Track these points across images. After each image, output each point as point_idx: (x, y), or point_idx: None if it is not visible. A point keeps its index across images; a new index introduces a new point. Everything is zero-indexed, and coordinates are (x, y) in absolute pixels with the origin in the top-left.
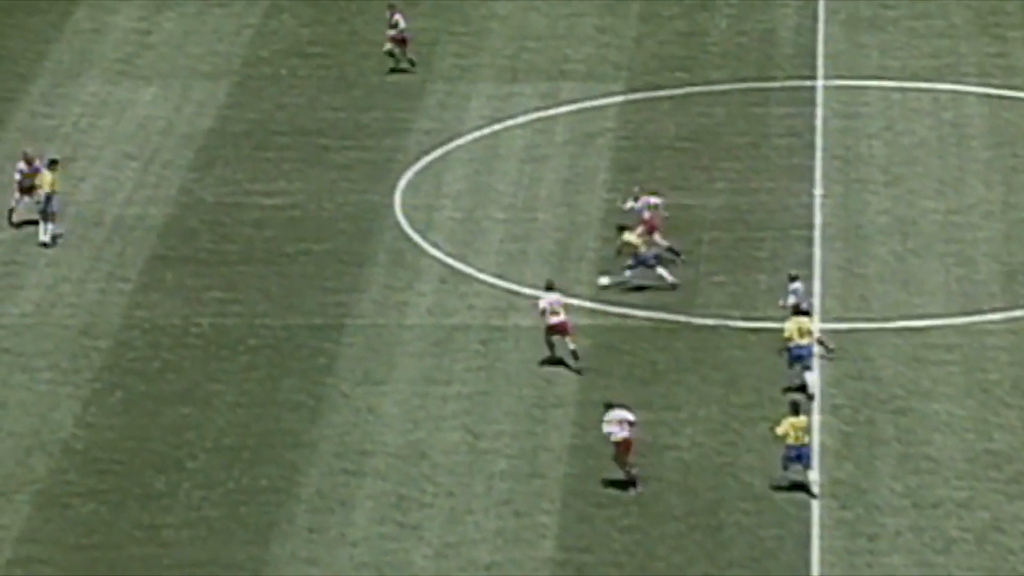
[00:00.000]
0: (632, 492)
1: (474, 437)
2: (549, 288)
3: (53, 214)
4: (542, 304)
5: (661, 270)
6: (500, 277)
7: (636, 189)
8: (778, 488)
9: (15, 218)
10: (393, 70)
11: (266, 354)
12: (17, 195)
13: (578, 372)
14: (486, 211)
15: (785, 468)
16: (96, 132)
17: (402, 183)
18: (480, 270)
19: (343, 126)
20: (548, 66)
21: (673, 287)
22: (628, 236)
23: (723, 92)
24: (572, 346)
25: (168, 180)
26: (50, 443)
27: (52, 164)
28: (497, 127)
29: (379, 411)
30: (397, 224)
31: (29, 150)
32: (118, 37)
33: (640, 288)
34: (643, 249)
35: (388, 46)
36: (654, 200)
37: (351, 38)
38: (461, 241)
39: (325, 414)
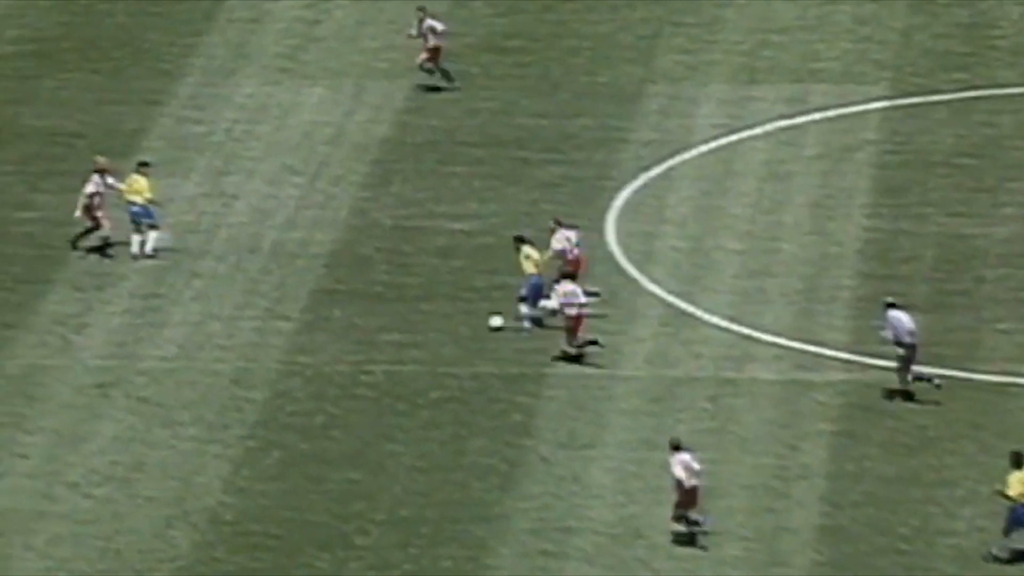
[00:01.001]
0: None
1: (700, 514)
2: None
3: (152, 225)
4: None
5: (526, 309)
6: (733, 320)
7: (551, 223)
8: (996, 559)
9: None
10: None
11: (451, 409)
12: (100, 214)
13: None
14: (717, 240)
15: (1007, 534)
16: (253, 141)
17: (616, 205)
18: (709, 311)
19: (546, 136)
20: (795, 65)
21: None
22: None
23: (1012, 97)
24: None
25: (337, 199)
26: (194, 512)
27: (143, 166)
28: (732, 138)
29: (585, 480)
30: (609, 255)
31: (102, 159)
32: (280, 29)
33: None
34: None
35: (423, 57)
36: (571, 234)
37: (557, 30)
38: (687, 276)
39: (520, 482)
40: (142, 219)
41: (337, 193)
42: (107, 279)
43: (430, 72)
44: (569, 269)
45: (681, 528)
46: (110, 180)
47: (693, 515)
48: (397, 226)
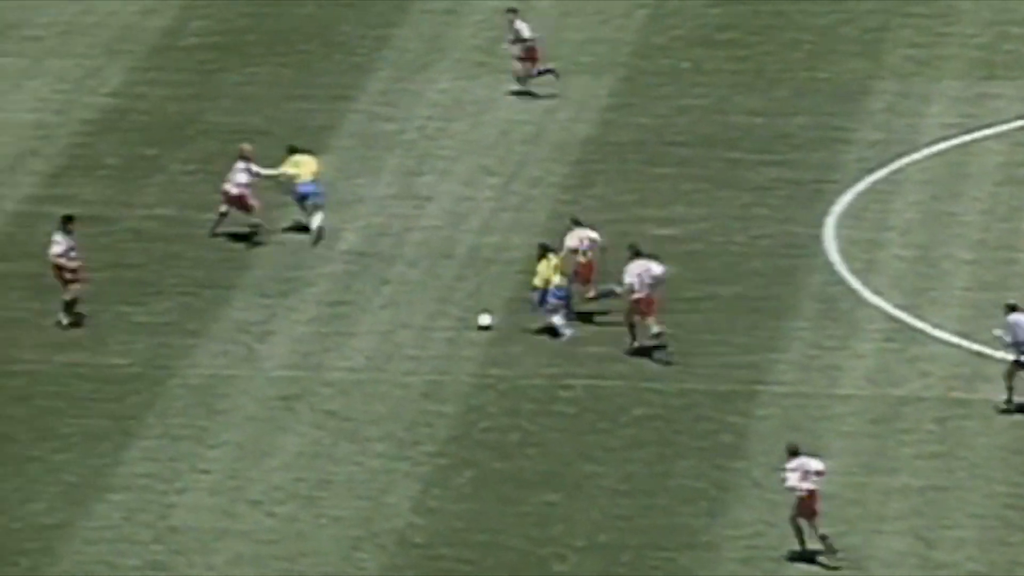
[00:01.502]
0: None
1: (927, 546)
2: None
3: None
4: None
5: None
6: (964, 336)
7: (569, 221)
8: None
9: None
10: (521, 92)
11: (656, 427)
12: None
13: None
14: (947, 249)
15: None
16: (446, 140)
17: (836, 210)
18: (937, 326)
19: (761, 135)
20: None
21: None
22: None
23: None
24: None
25: (535, 202)
26: (382, 533)
27: (294, 151)
28: (965, 138)
29: None
30: (829, 264)
31: (248, 146)
32: (477, 20)
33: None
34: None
35: (517, 67)
36: (589, 235)
37: (774, 22)
38: (913, 288)
39: (731, 508)
40: (315, 198)
41: (535, 195)
42: (292, 284)
43: (527, 78)
44: (579, 270)
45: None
46: (254, 168)
47: (820, 530)
48: (599, 231)
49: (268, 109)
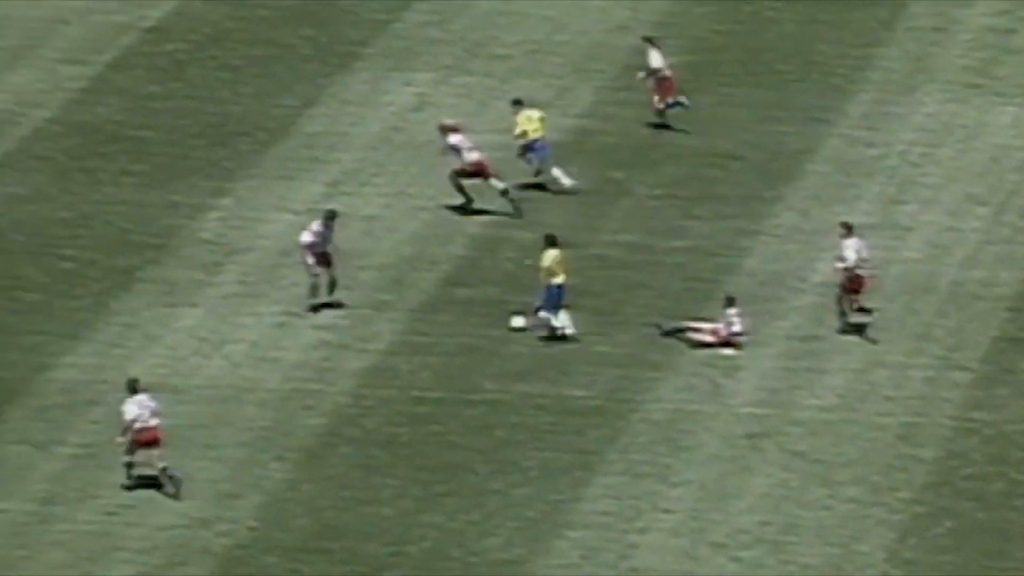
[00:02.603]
0: None
1: None
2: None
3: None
4: None
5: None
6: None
7: None
8: None
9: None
10: (659, 126)
11: None
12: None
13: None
14: None
15: None
16: (931, 166)
17: None
18: None
19: None
20: None
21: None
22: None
23: None
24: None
25: None
26: None
27: (519, 104)
28: None
29: None
30: None
31: (450, 120)
32: (968, 39)
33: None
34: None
35: (656, 99)
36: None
37: None
38: None
39: None
40: (542, 152)
41: None
42: (763, 318)
43: (665, 108)
44: None
45: None
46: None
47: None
48: None
49: (741, 132)
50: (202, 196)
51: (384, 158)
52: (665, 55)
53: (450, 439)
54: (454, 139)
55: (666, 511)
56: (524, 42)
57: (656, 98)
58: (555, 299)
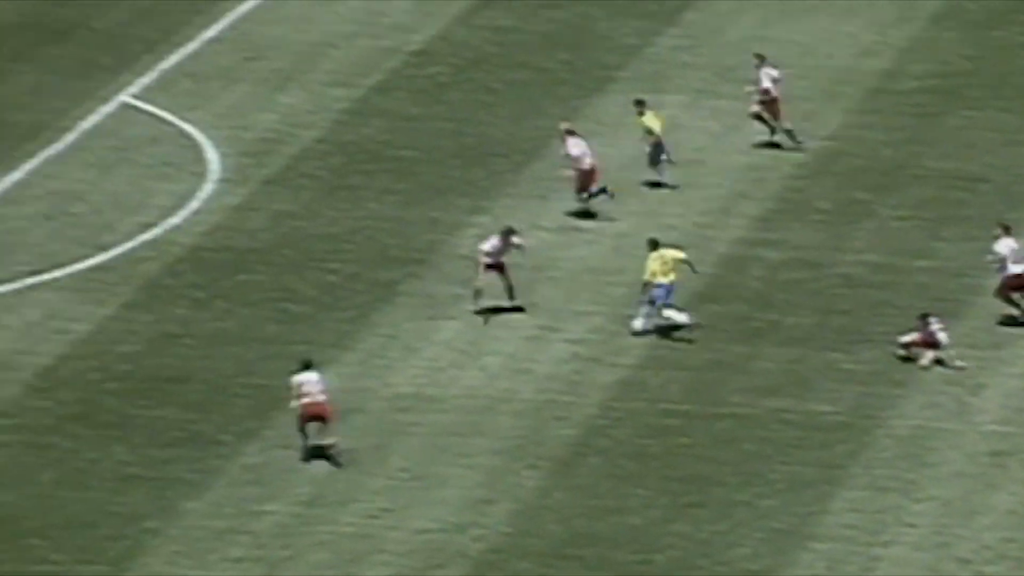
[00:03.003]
0: None
1: None
2: None
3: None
4: None
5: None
6: None
7: None
8: None
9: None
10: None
11: None
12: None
13: None
14: None
15: None
16: None
17: None
18: None
19: None
20: None
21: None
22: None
23: None
24: None
25: None
26: None
27: (641, 104)
28: None
29: None
30: None
31: (564, 124)
32: None
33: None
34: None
35: (755, 108)
36: None
37: None
38: None
39: None
40: (667, 154)
41: None
42: (1006, 336)
43: (761, 119)
44: None
45: None
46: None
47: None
48: None
49: (987, 155)
50: (460, 214)
51: (634, 178)
52: (776, 76)
53: (698, 451)
54: (572, 142)
55: (910, 525)
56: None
57: (762, 111)
58: (663, 297)
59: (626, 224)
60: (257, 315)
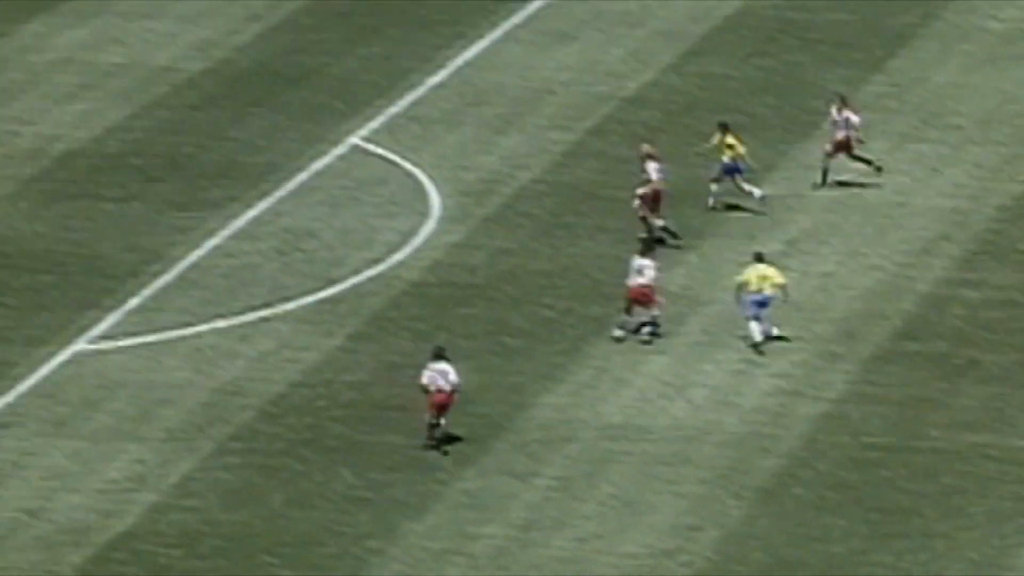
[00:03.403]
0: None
1: None
2: None
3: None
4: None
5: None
6: None
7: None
8: None
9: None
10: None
11: None
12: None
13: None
14: None
15: None
16: None
17: None
18: None
19: None
20: None
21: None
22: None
23: None
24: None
25: None
26: None
27: (726, 128)
28: None
29: None
30: None
31: (646, 146)
32: None
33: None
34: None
35: (828, 149)
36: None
37: None
38: None
39: None
40: (747, 172)
41: None
42: None
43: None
44: None
45: None
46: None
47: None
48: None
49: None
50: (671, 252)
51: (840, 220)
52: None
53: (898, 484)
54: (652, 166)
55: None
56: (976, 112)
57: (831, 148)
58: (749, 309)
59: (831, 264)
60: (475, 347)
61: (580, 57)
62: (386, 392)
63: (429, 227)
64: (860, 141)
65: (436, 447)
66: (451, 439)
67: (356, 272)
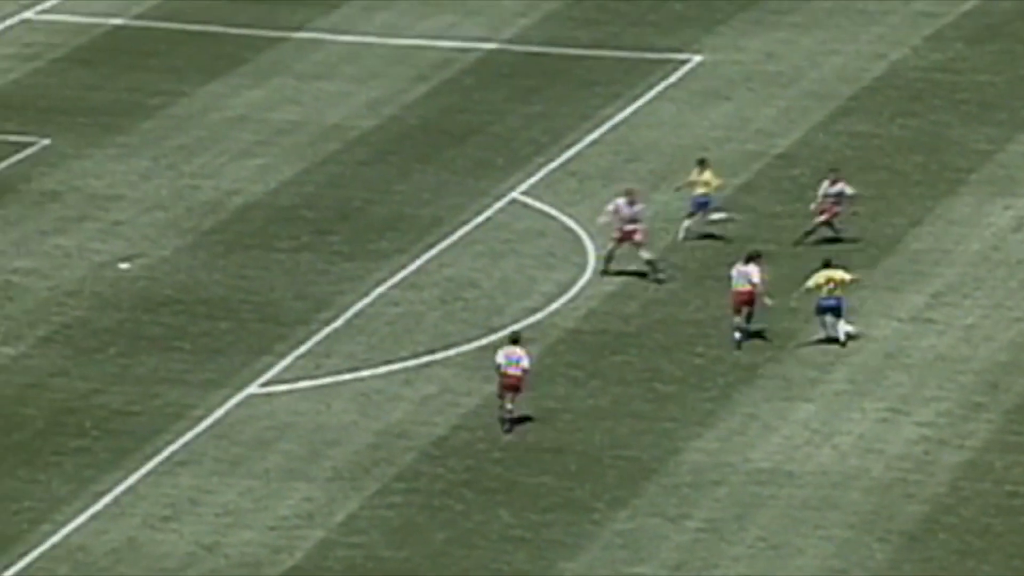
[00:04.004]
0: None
1: None
2: None
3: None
4: None
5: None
6: None
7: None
8: None
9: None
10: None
11: None
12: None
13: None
14: None
15: None
16: None
17: None
18: None
19: None
20: None
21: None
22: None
23: None
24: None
25: None
26: None
27: (702, 163)
28: None
29: None
30: None
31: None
32: None
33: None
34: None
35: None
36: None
37: None
38: None
39: None
40: (713, 208)
41: None
42: None
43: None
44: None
45: None
46: (638, 207)
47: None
48: None
49: None
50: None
51: (984, 274)
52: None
53: None
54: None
55: None
56: None
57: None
58: (818, 310)
59: (975, 317)
60: (628, 393)
61: (732, 116)
62: (542, 436)
63: (585, 278)
64: (855, 214)
65: (509, 430)
66: (521, 420)
67: (515, 320)
